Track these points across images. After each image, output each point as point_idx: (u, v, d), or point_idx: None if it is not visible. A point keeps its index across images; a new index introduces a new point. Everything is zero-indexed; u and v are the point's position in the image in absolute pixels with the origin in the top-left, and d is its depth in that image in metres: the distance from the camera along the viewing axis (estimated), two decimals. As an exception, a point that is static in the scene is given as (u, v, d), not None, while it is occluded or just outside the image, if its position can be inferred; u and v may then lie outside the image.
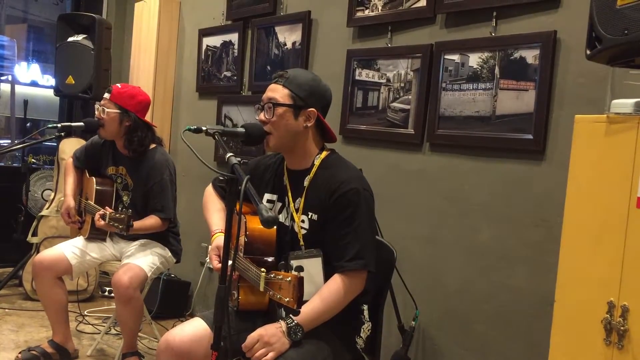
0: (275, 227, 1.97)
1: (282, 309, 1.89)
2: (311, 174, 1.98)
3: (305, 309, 1.78)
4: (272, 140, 1.96)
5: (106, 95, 2.97)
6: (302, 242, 1.95)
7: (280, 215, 2.04)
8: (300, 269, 1.53)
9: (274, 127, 1.93)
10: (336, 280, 1.85)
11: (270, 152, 2.11)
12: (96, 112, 3.00)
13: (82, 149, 3.21)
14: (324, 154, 2.02)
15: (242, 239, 1.98)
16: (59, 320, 2.96)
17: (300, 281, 1.51)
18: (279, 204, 2.06)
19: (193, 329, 1.95)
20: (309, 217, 1.96)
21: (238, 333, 1.97)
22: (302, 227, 1.96)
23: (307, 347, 1.83)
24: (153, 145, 3.04)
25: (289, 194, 2.02)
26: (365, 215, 1.90)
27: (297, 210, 1.98)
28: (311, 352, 1.83)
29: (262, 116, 1.95)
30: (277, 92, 1.94)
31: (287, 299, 1.50)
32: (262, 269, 1.74)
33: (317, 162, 1.99)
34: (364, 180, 1.99)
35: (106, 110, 2.93)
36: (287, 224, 2.01)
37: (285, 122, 1.93)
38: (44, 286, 2.90)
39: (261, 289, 1.58)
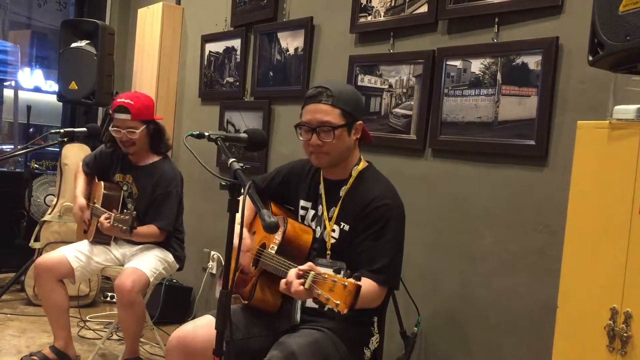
0: (311, 234, 2.00)
1: (296, 312, 1.90)
2: (348, 185, 1.98)
3: None
4: (326, 160, 1.95)
5: (124, 116, 2.91)
6: (329, 252, 1.95)
7: (313, 223, 2.04)
8: (358, 278, 1.53)
9: (331, 149, 1.91)
10: (369, 280, 1.81)
11: (317, 166, 2.07)
12: (116, 135, 2.96)
13: (92, 156, 3.23)
14: (362, 165, 2.02)
15: (278, 237, 1.97)
16: (60, 325, 2.96)
17: (357, 289, 1.49)
18: (312, 212, 2.06)
19: (204, 326, 1.95)
20: (341, 227, 1.95)
21: (248, 338, 1.97)
22: (332, 237, 1.96)
23: (311, 354, 1.83)
24: (160, 157, 3.08)
25: (324, 203, 2.02)
26: (395, 232, 1.89)
27: (330, 219, 1.98)
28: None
29: (315, 140, 1.90)
30: (329, 114, 1.89)
31: (338, 302, 1.49)
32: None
33: (354, 174, 1.99)
34: (398, 198, 1.98)
35: (135, 131, 2.93)
36: (318, 232, 2.01)
37: (342, 142, 1.92)
38: (45, 288, 2.90)
39: (306, 286, 1.58)
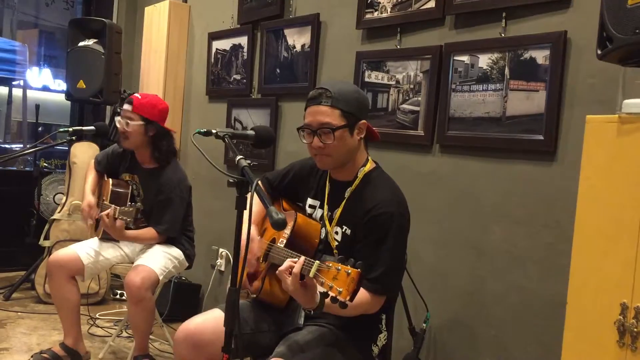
0: (319, 228, 1.99)
1: (299, 316, 1.89)
2: (353, 187, 1.96)
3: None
4: (330, 162, 1.93)
5: (127, 107, 2.94)
6: (335, 251, 1.94)
7: (320, 223, 2.04)
8: (361, 266, 1.52)
9: (333, 150, 1.89)
10: (364, 290, 1.80)
11: (322, 168, 2.07)
12: (118, 125, 2.97)
13: (105, 154, 3.25)
14: (368, 166, 1.99)
15: (287, 231, 1.97)
16: (71, 322, 2.98)
17: (360, 277, 1.50)
18: (320, 211, 2.05)
19: (212, 319, 1.96)
20: (343, 230, 1.94)
21: (256, 332, 1.98)
22: (335, 239, 1.95)
23: (318, 350, 1.83)
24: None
25: (326, 203, 2.01)
26: (395, 240, 1.87)
27: (331, 220, 1.97)
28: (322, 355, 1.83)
29: (317, 142, 1.88)
30: (329, 115, 1.86)
31: (341, 289, 1.50)
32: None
33: (360, 175, 1.97)
34: (402, 203, 1.94)
35: (130, 122, 2.92)
36: (323, 233, 2.00)
37: (343, 143, 1.89)
38: (57, 285, 2.93)
39: (311, 275, 1.58)
